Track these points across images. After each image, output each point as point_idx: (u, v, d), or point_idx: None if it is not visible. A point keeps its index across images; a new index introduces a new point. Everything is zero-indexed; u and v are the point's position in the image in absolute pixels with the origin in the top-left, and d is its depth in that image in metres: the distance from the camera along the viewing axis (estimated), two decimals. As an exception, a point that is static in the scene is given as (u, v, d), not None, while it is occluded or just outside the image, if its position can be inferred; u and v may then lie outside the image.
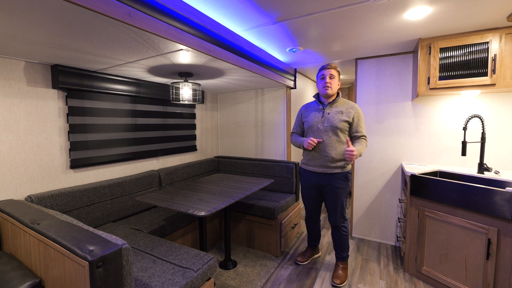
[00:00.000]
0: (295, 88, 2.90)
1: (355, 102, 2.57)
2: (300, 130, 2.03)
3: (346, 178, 1.83)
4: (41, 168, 1.62)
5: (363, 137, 1.81)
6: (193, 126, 2.88)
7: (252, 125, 3.07)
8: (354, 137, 1.82)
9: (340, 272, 1.92)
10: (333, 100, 1.84)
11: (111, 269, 0.85)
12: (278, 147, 2.91)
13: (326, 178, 1.84)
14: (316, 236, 2.17)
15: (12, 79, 1.49)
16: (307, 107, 1.98)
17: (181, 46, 1.35)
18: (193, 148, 2.88)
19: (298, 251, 2.35)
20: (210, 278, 1.37)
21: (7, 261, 1.13)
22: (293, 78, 2.83)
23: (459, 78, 1.82)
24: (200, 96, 2.14)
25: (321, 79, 1.84)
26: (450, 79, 1.86)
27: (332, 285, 1.85)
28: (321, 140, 1.80)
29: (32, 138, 1.58)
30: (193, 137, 2.88)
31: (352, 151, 1.65)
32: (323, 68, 1.83)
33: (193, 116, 2.87)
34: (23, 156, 1.54)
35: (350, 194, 3.35)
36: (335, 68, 1.82)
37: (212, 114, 3.20)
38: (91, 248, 0.85)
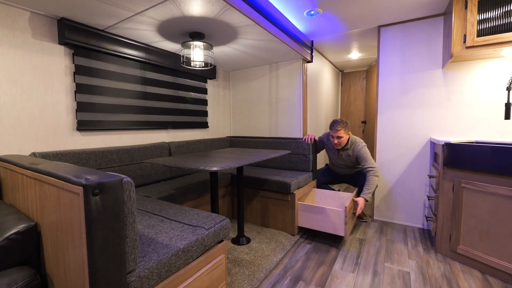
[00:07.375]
0: (311, 61, 2.73)
1: (378, 75, 2.39)
2: (321, 144, 2.51)
3: None
4: (46, 126, 1.54)
5: (370, 169, 2.12)
6: (205, 102, 2.77)
7: (266, 103, 2.92)
8: (363, 169, 2.18)
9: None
10: (344, 147, 2.27)
11: (110, 200, 0.73)
12: (294, 124, 2.75)
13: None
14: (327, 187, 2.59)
15: (17, 29, 1.42)
16: (328, 138, 2.39)
17: (192, -16, 1.22)
18: (204, 125, 2.77)
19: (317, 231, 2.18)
20: (222, 240, 1.23)
21: (4, 208, 1.04)
22: (309, 51, 2.66)
23: (502, 32, 1.61)
24: (211, 61, 2.02)
25: (331, 137, 2.25)
26: (490, 34, 1.65)
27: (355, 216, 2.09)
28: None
29: (37, 95, 1.50)
30: (205, 113, 2.77)
31: (357, 207, 2.01)
32: (331, 129, 2.21)
33: (204, 91, 2.75)
34: (27, 111, 1.46)
35: None
36: (341, 127, 2.16)
37: (224, 92, 3.08)
38: (88, 177, 0.73)
